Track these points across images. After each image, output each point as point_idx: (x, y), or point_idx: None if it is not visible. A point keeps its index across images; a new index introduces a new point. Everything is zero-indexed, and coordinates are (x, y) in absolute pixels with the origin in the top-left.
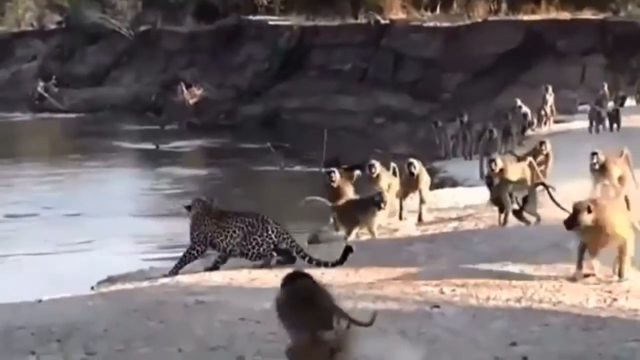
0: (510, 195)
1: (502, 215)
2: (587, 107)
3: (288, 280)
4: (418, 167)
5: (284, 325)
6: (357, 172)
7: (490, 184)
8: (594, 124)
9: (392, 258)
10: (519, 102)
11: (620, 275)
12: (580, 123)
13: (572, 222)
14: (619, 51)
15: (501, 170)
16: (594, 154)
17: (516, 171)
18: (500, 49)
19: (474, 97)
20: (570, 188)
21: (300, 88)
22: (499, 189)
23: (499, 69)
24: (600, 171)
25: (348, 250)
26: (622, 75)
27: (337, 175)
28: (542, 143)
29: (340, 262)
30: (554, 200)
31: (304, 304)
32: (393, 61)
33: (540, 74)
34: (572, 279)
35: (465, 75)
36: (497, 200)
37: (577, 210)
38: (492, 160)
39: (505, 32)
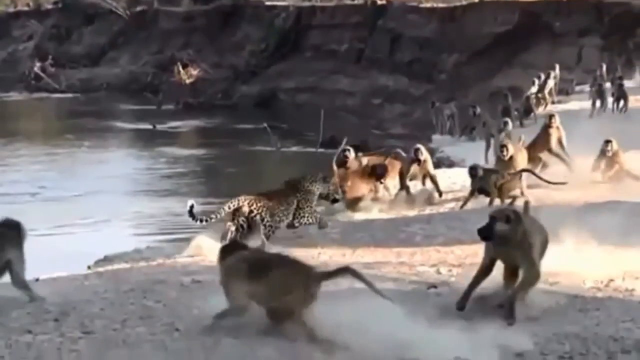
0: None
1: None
2: (584, 87)
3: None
4: (425, 153)
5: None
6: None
7: (474, 175)
8: (596, 105)
9: (389, 239)
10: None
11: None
12: (578, 104)
13: (487, 232)
14: (615, 32)
15: (511, 157)
16: (608, 141)
17: (524, 158)
18: (497, 29)
19: (469, 77)
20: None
21: (296, 68)
22: (481, 181)
23: (495, 50)
24: (612, 157)
25: None
26: (618, 57)
27: (352, 155)
28: (551, 117)
29: None
30: (540, 178)
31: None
32: (389, 42)
33: (536, 54)
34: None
35: (461, 56)
36: (481, 189)
37: (493, 219)
38: (503, 146)
39: (502, 13)
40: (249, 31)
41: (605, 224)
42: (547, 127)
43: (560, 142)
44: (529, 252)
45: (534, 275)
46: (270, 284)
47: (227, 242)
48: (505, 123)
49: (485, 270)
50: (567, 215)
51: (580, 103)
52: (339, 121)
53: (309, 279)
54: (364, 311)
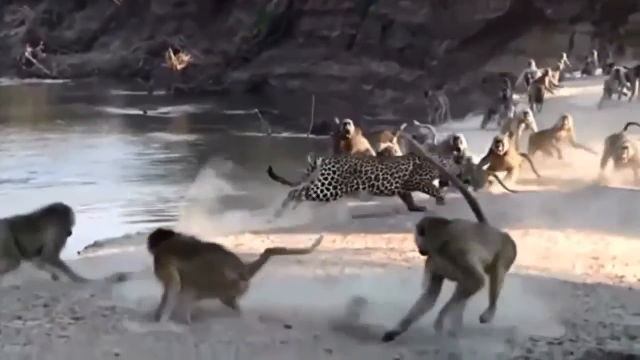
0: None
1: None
2: (574, 74)
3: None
4: (465, 142)
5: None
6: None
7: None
8: (610, 94)
9: (380, 224)
10: (533, 66)
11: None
12: (568, 90)
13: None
14: (606, 19)
15: (505, 153)
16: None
17: (514, 155)
18: (489, 15)
19: (461, 64)
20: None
21: (288, 54)
22: (464, 170)
23: (487, 36)
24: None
25: None
26: (609, 43)
27: (352, 127)
28: (564, 118)
29: None
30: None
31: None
32: (381, 28)
33: (528, 41)
34: None
35: (453, 42)
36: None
37: (420, 229)
38: (499, 141)
39: None
40: (241, 17)
41: (596, 210)
42: (559, 128)
43: (570, 140)
44: (461, 259)
45: (471, 284)
46: (201, 265)
47: (155, 230)
48: (526, 113)
49: (429, 291)
50: (558, 200)
51: (569, 90)
52: (330, 107)
53: (238, 267)
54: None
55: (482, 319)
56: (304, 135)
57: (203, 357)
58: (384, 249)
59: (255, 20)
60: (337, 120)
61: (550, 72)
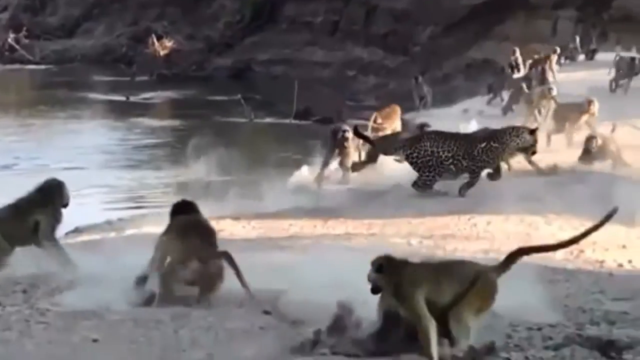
0: None
1: None
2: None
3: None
4: None
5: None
6: None
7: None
8: (620, 81)
9: (361, 210)
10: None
11: None
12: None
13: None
14: (589, 4)
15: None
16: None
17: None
18: (473, 1)
19: (445, 50)
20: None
21: (271, 40)
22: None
23: (470, 22)
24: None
25: None
26: (593, 29)
27: (350, 134)
28: (590, 102)
29: None
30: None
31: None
32: (365, 14)
33: (511, 27)
34: None
35: (437, 28)
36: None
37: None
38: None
39: None
40: (224, 3)
41: (577, 195)
42: (584, 111)
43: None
44: (408, 305)
45: (418, 328)
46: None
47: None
48: (550, 89)
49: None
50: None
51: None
52: (313, 93)
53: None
54: None
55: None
56: (287, 121)
57: (182, 342)
58: (364, 235)
59: (238, 6)
60: (337, 127)
61: (555, 55)
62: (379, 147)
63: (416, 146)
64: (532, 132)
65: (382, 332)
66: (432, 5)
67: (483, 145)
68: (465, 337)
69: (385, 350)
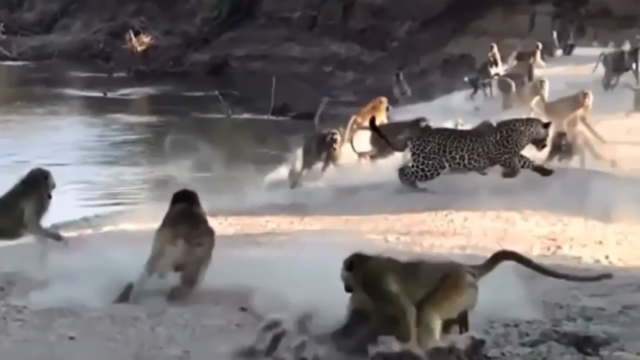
0: None
1: None
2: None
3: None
4: None
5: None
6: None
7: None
8: (612, 78)
9: (338, 206)
10: (495, 49)
11: None
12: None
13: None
14: None
15: None
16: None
17: None
18: None
19: (422, 45)
20: None
21: (249, 36)
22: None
23: (448, 17)
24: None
25: None
26: (570, 24)
27: (339, 137)
28: (585, 95)
29: None
30: None
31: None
32: (342, 9)
33: (489, 22)
34: None
35: (414, 24)
36: None
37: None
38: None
39: None
40: None
41: (554, 191)
42: (578, 104)
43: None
44: (377, 291)
45: (396, 308)
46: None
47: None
48: (542, 82)
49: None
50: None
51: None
52: (291, 88)
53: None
54: None
55: None
56: (265, 117)
57: (159, 340)
58: (341, 231)
59: (216, 2)
60: (325, 132)
61: (538, 50)
62: (393, 145)
63: (424, 138)
64: (546, 125)
65: (347, 328)
66: (409, 1)
67: (498, 136)
68: (428, 338)
69: (350, 347)
